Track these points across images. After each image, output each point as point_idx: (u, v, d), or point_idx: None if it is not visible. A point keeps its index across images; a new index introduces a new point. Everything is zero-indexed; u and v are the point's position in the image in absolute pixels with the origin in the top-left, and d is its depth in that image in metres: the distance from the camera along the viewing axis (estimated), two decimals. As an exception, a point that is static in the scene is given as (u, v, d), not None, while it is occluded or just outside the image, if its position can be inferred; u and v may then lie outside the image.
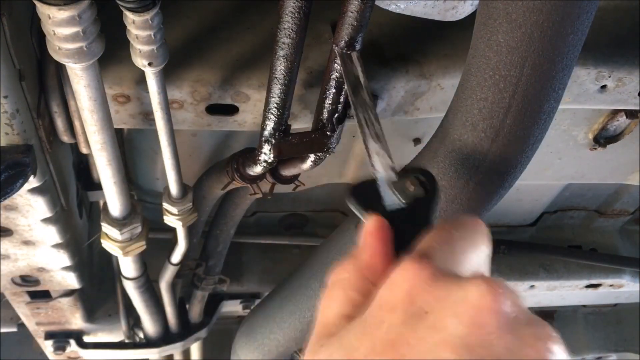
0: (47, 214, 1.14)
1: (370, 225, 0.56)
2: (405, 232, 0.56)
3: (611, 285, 2.09)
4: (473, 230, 0.54)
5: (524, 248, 2.05)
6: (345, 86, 0.87)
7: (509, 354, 0.42)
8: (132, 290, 1.57)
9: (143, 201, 1.66)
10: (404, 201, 0.61)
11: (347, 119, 1.11)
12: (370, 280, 0.51)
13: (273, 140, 1.08)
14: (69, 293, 1.61)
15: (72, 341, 1.85)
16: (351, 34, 0.90)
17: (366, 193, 0.64)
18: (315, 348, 0.48)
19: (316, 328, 0.51)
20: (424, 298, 0.45)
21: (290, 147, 1.09)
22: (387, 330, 0.45)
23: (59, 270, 1.37)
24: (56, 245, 1.26)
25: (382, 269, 0.52)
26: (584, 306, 2.58)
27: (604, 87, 1.16)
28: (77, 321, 1.76)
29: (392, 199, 0.62)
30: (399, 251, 0.55)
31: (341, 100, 1.04)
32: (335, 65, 0.97)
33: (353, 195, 0.64)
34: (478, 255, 0.53)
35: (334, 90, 1.02)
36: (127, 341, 1.90)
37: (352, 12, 0.86)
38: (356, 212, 0.64)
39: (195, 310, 1.90)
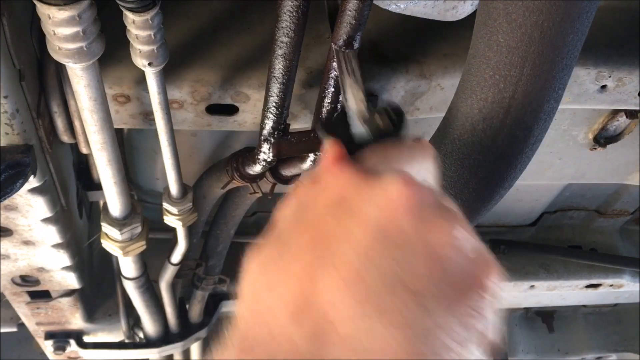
0: (47, 214, 1.14)
1: (328, 148, 0.60)
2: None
3: (611, 285, 2.09)
4: (415, 147, 0.60)
5: (524, 248, 2.05)
6: (339, 80, 0.88)
7: (416, 232, 0.47)
8: (132, 290, 1.57)
9: (143, 201, 1.66)
10: (371, 134, 0.63)
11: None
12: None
13: (272, 139, 1.08)
14: (69, 293, 1.61)
15: (72, 341, 1.85)
16: (349, 33, 0.90)
17: (336, 125, 0.66)
18: (260, 246, 0.53)
19: (268, 229, 0.56)
20: (349, 192, 0.51)
21: (290, 146, 1.09)
22: (310, 215, 0.51)
23: (59, 270, 1.37)
24: (56, 245, 1.26)
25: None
26: (584, 306, 2.58)
27: (604, 87, 1.16)
28: (77, 321, 1.76)
29: (360, 131, 0.64)
30: None
31: (340, 99, 1.04)
32: (334, 64, 0.97)
33: (323, 125, 0.67)
34: (412, 167, 0.57)
35: (333, 90, 1.02)
36: (127, 341, 1.90)
37: (350, 11, 0.86)
38: (321, 137, 0.66)
39: (195, 310, 1.89)
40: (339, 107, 1.05)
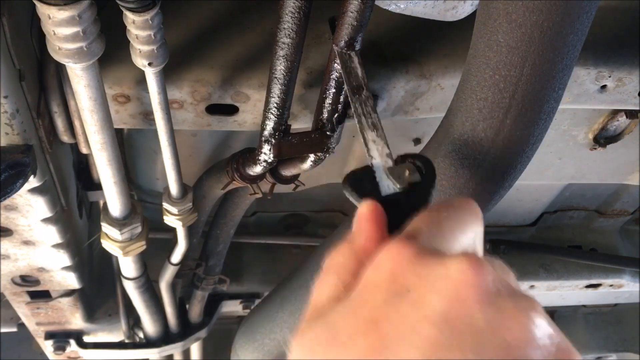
0: (47, 214, 1.14)
1: (364, 210, 0.56)
2: (400, 216, 0.55)
3: (611, 285, 2.09)
4: (463, 210, 0.54)
5: (524, 248, 2.05)
6: (345, 84, 0.88)
7: (490, 327, 0.42)
8: (132, 290, 1.57)
9: (143, 201, 1.66)
10: (399, 186, 0.61)
11: (347, 118, 1.11)
12: (364, 264, 0.51)
13: (273, 140, 1.08)
14: (69, 293, 1.61)
15: (72, 341, 1.85)
16: (351, 34, 0.90)
17: (362, 180, 0.64)
18: (303, 329, 0.48)
19: (307, 311, 0.51)
20: (406, 276, 0.46)
21: (290, 147, 1.09)
22: (370, 309, 0.45)
23: (59, 270, 1.37)
24: (56, 245, 1.26)
25: (375, 253, 0.51)
26: (584, 306, 2.58)
27: (604, 87, 1.16)
28: (77, 321, 1.76)
29: (387, 184, 0.62)
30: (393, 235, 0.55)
31: (341, 100, 1.04)
32: (335, 65, 0.97)
33: (349, 182, 0.64)
34: (466, 235, 0.52)
35: (334, 90, 1.02)
36: (127, 341, 1.90)
37: (352, 12, 0.86)
38: (351, 198, 0.63)
39: (195, 310, 1.90)
40: (339, 108, 1.05)
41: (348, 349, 0.44)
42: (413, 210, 0.55)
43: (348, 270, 0.51)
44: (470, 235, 0.52)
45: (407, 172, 0.61)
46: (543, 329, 0.43)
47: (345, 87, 0.89)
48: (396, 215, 0.55)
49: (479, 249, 0.53)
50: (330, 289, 0.51)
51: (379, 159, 0.67)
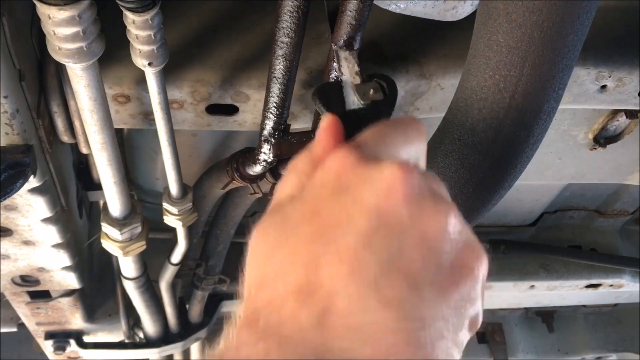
0: (47, 214, 1.14)
1: (324, 122, 0.63)
2: (360, 130, 0.61)
3: (611, 285, 2.09)
4: (408, 126, 0.61)
5: (524, 248, 2.05)
6: (335, 53, 0.90)
7: (412, 220, 0.50)
8: (132, 290, 1.57)
9: (143, 201, 1.66)
10: (362, 102, 0.65)
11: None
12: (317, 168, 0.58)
13: (272, 140, 1.08)
14: (69, 293, 1.61)
15: (72, 341, 1.85)
16: (350, 33, 0.90)
17: (330, 93, 0.68)
18: (263, 218, 0.56)
19: (269, 205, 0.59)
20: (347, 176, 0.53)
21: (290, 146, 1.09)
22: (315, 202, 0.53)
23: (59, 270, 1.37)
24: (56, 245, 1.26)
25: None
26: (584, 306, 2.58)
27: (604, 87, 1.16)
28: (77, 321, 1.76)
29: (352, 100, 0.66)
30: None
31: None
32: (335, 64, 0.97)
33: (318, 93, 0.69)
34: (408, 148, 0.59)
35: (334, 90, 1.02)
36: (127, 341, 1.90)
37: (351, 11, 0.86)
38: (317, 108, 0.68)
39: (195, 310, 1.90)
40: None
41: (295, 233, 0.52)
42: (372, 123, 0.61)
43: (305, 173, 0.59)
44: (412, 149, 0.60)
45: (371, 90, 0.66)
46: (455, 226, 0.51)
47: (332, 45, 0.91)
48: (357, 129, 0.61)
49: (421, 162, 0.61)
50: (289, 188, 0.59)
51: (348, 75, 0.71)
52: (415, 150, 0.60)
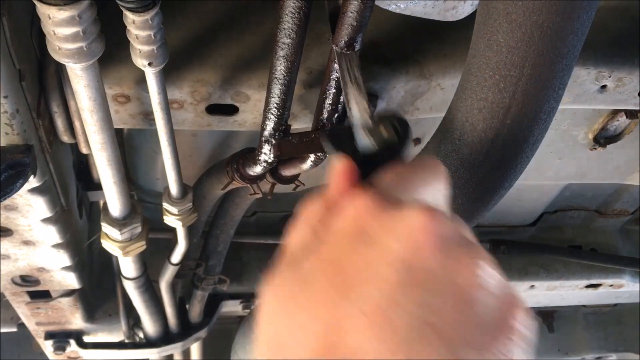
0: (47, 214, 1.14)
1: (338, 164, 0.59)
2: (374, 173, 0.59)
3: (611, 285, 2.09)
4: (428, 167, 0.58)
5: (524, 248, 2.05)
6: (342, 87, 0.88)
7: (443, 270, 0.45)
8: (132, 290, 1.57)
9: (143, 201, 1.66)
10: (375, 145, 0.63)
11: (347, 119, 1.11)
12: (333, 214, 0.55)
13: (273, 140, 1.08)
14: (69, 293, 1.61)
15: (72, 341, 1.85)
16: (351, 34, 0.90)
17: (341, 137, 0.66)
18: (275, 273, 0.52)
19: (281, 257, 0.55)
20: (368, 223, 0.50)
21: (290, 147, 1.09)
22: (334, 252, 0.49)
23: (59, 270, 1.37)
24: (56, 245, 1.26)
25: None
26: (584, 306, 2.58)
27: (604, 87, 1.16)
28: (77, 321, 1.76)
29: (365, 142, 0.64)
30: None
31: (341, 100, 1.04)
32: (335, 65, 0.97)
33: (328, 136, 0.67)
34: (429, 190, 0.55)
35: (334, 91, 1.02)
36: (127, 341, 1.90)
37: (352, 12, 0.86)
38: (327, 150, 0.66)
39: (195, 310, 1.90)
40: (339, 108, 1.05)
41: (313, 288, 0.48)
42: (386, 165, 0.59)
43: (319, 220, 0.54)
44: (433, 191, 0.56)
45: (384, 132, 0.64)
46: (491, 275, 0.46)
47: (342, 89, 0.90)
48: (370, 172, 0.59)
49: (442, 205, 0.56)
50: (302, 237, 0.54)
51: (358, 116, 0.69)
52: (437, 193, 0.56)
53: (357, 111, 0.71)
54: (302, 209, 0.58)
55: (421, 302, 0.44)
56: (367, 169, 0.59)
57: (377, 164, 0.60)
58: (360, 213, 0.51)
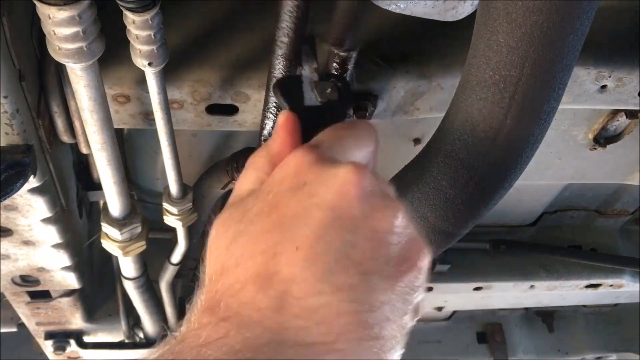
0: (47, 214, 1.14)
1: (282, 119, 0.67)
2: (315, 128, 0.65)
3: (611, 285, 2.09)
4: (361, 129, 0.66)
5: (524, 248, 2.05)
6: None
7: (364, 216, 0.54)
8: (132, 290, 1.57)
9: (143, 201, 1.66)
10: (319, 99, 0.69)
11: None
12: (276, 165, 0.62)
13: (273, 140, 1.08)
14: (69, 293, 1.61)
15: (72, 341, 1.85)
16: (345, 33, 0.90)
17: (291, 87, 0.72)
18: (223, 211, 0.60)
19: (229, 199, 0.63)
20: (305, 174, 0.57)
21: (290, 147, 1.09)
22: (274, 196, 0.57)
23: (59, 270, 1.37)
24: (56, 245, 1.26)
25: (287, 156, 0.63)
26: (584, 306, 2.58)
27: (604, 87, 1.16)
28: (77, 321, 1.76)
29: (310, 96, 0.70)
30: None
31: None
32: (334, 65, 0.97)
33: (279, 87, 0.72)
34: (361, 150, 0.64)
35: (334, 90, 1.02)
36: (127, 341, 1.90)
37: (343, 11, 0.87)
38: (278, 101, 0.73)
39: (195, 310, 1.89)
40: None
41: (254, 224, 0.56)
42: (326, 124, 0.65)
43: (263, 169, 0.63)
44: (365, 151, 0.65)
45: (329, 89, 0.70)
46: (402, 224, 0.56)
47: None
48: (312, 126, 0.65)
49: (371, 163, 0.66)
50: (248, 182, 0.63)
51: (308, 71, 0.75)
52: (367, 153, 0.65)
53: (307, 65, 0.77)
54: (249, 159, 0.66)
55: (344, 240, 0.53)
56: (310, 123, 0.65)
57: (320, 119, 0.66)
58: (300, 166, 0.58)
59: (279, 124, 0.67)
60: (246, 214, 0.57)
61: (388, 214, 0.56)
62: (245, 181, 0.64)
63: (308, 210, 0.54)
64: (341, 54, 0.94)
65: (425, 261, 0.57)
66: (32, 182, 1.05)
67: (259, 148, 0.66)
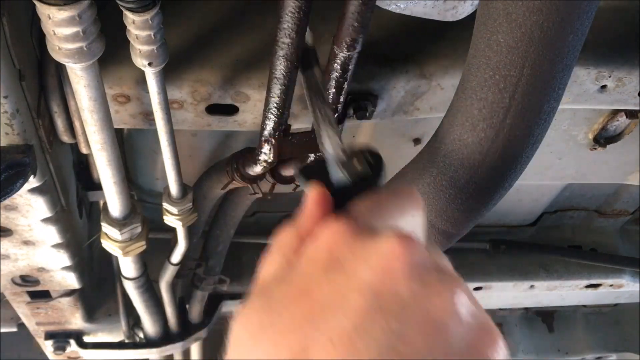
0: (47, 214, 1.14)
1: (311, 193, 0.58)
2: (347, 204, 0.58)
3: (611, 285, 2.09)
4: (404, 195, 0.57)
5: (524, 248, 2.05)
6: (305, 89, 0.89)
7: (414, 299, 0.44)
8: (132, 290, 1.57)
9: (143, 201, 1.66)
10: (349, 178, 0.63)
11: (347, 119, 1.11)
12: (305, 242, 0.54)
13: (273, 140, 1.08)
14: (69, 293, 1.61)
15: (72, 341, 1.85)
16: (352, 36, 0.90)
17: (315, 171, 0.66)
18: (245, 302, 0.51)
19: (252, 287, 0.54)
20: (341, 251, 0.49)
21: (291, 147, 1.09)
22: (305, 280, 0.48)
23: (59, 270, 1.37)
24: (56, 245, 1.26)
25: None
26: (584, 306, 2.58)
27: (604, 87, 1.16)
28: (77, 321, 1.76)
29: (339, 176, 0.64)
30: None
31: (341, 100, 1.04)
32: (335, 65, 0.97)
33: (302, 171, 0.67)
34: (405, 218, 0.55)
35: (333, 90, 1.02)
36: (127, 341, 1.90)
37: (352, 14, 0.86)
38: (301, 185, 0.66)
39: (195, 310, 1.90)
40: (339, 108, 1.05)
41: (282, 317, 0.46)
42: (359, 197, 0.58)
43: (290, 247, 0.54)
44: (409, 219, 0.55)
45: (357, 165, 0.64)
46: (465, 304, 0.45)
47: (305, 92, 0.91)
48: (344, 203, 0.59)
49: (418, 232, 0.55)
50: (274, 266, 0.54)
51: (332, 151, 0.70)
52: (413, 220, 0.55)
53: (330, 146, 0.71)
54: (275, 239, 0.57)
55: (389, 329, 0.43)
56: (341, 200, 0.59)
57: (352, 196, 0.59)
58: (333, 240, 0.50)
59: (308, 199, 0.58)
60: (272, 303, 0.48)
61: (445, 293, 0.45)
62: (270, 264, 0.55)
63: (344, 295, 0.45)
64: (343, 54, 0.94)
65: (497, 351, 0.45)
66: (32, 182, 1.04)
67: (285, 225, 0.57)
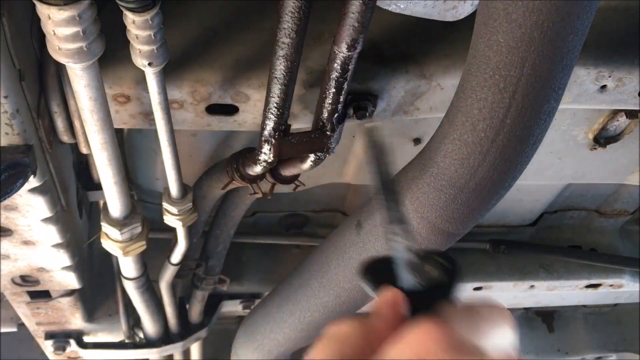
0: (47, 214, 1.14)
1: (388, 295, 0.54)
2: (418, 310, 0.54)
3: (611, 285, 2.09)
4: (494, 310, 0.52)
5: (524, 248, 2.05)
6: (372, 171, 0.82)
7: None
8: (132, 290, 1.57)
9: (143, 201, 1.66)
10: (423, 284, 0.59)
11: (347, 119, 1.11)
12: (373, 347, 0.49)
13: (273, 140, 1.08)
14: (69, 293, 1.61)
15: (72, 341, 1.85)
16: (353, 36, 0.90)
17: (380, 271, 0.61)
18: None
19: None
20: (439, 357, 0.43)
21: (290, 147, 1.09)
22: None
23: (59, 270, 1.37)
24: (56, 245, 1.26)
25: (395, 333, 0.50)
26: (584, 306, 2.58)
27: (604, 87, 1.16)
28: (77, 321, 1.76)
29: (409, 279, 0.59)
30: None
31: (341, 100, 1.04)
32: (335, 65, 0.97)
33: (366, 271, 0.62)
34: (501, 337, 0.50)
35: (333, 90, 1.02)
36: (127, 341, 1.90)
37: (353, 14, 0.86)
38: (366, 288, 0.61)
39: (195, 310, 1.90)
40: (339, 108, 1.05)
41: None
42: (433, 305, 0.54)
43: (353, 344, 0.49)
44: (504, 339, 0.51)
45: (432, 272, 0.60)
46: None
47: (373, 176, 0.85)
48: (414, 309, 0.55)
49: (515, 355, 0.52)
50: (328, 357, 0.49)
51: (403, 254, 0.64)
52: (505, 339, 0.51)
53: (402, 249, 0.65)
54: (333, 327, 0.51)
55: None
56: (412, 307, 0.55)
57: (425, 303, 0.55)
58: (427, 349, 0.44)
59: (384, 300, 0.53)
60: None
61: None
62: (323, 355, 0.49)
63: None
64: (343, 54, 0.94)
65: None
66: (32, 182, 1.04)
67: (348, 318, 0.52)
